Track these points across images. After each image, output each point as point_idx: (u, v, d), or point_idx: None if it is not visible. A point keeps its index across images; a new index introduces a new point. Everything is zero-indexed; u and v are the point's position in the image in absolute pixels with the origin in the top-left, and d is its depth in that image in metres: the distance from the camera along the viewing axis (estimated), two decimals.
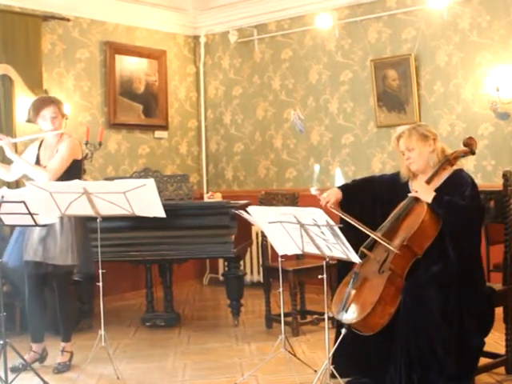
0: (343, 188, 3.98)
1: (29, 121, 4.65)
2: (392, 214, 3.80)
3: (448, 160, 3.78)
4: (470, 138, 3.86)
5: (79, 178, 4.50)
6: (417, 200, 3.74)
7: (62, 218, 4.38)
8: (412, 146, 3.77)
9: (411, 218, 3.71)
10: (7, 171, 4.60)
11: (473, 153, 3.89)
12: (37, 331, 4.60)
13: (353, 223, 3.66)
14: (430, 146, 3.78)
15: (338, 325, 3.83)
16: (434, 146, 3.79)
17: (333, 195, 3.89)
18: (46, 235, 4.38)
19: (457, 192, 3.67)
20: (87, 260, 4.46)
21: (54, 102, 4.54)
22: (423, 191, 3.70)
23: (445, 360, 3.44)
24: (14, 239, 4.53)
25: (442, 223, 3.61)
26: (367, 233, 3.67)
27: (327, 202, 3.85)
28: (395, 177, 4.02)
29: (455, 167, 3.84)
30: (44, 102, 4.53)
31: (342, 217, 3.72)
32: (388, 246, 3.61)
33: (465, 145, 3.86)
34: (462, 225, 3.58)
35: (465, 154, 3.87)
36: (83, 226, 4.52)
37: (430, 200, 3.65)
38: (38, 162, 4.55)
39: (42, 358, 4.62)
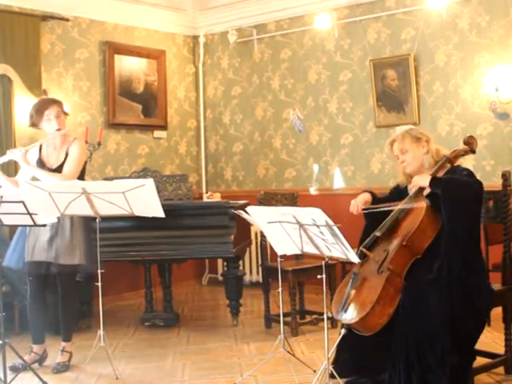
0: (371, 192, 4.01)
1: (32, 125, 4.60)
2: (391, 215, 3.80)
3: (448, 159, 3.79)
4: (471, 137, 3.87)
5: (82, 178, 4.51)
6: (416, 200, 3.74)
7: (71, 218, 4.39)
8: (406, 148, 3.79)
9: (410, 218, 3.71)
10: (15, 185, 4.47)
11: (473, 151, 3.90)
12: (38, 332, 4.60)
13: (382, 208, 3.73)
14: (424, 148, 3.80)
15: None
16: (428, 148, 3.80)
17: (362, 198, 3.92)
18: (55, 235, 4.38)
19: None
20: (92, 260, 4.46)
21: (56, 101, 4.56)
22: (419, 179, 3.71)
23: (444, 360, 3.44)
24: (15, 242, 4.52)
25: (442, 202, 3.57)
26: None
27: (357, 207, 3.87)
28: (396, 188, 4.05)
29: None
30: (46, 102, 4.54)
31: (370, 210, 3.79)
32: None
33: (465, 143, 3.87)
34: (462, 199, 3.55)
35: (465, 153, 3.87)
36: (89, 225, 4.52)
37: (427, 183, 3.64)
38: (42, 165, 4.52)
39: (41, 359, 4.62)
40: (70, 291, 4.57)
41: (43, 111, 4.47)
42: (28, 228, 4.41)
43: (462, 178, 3.66)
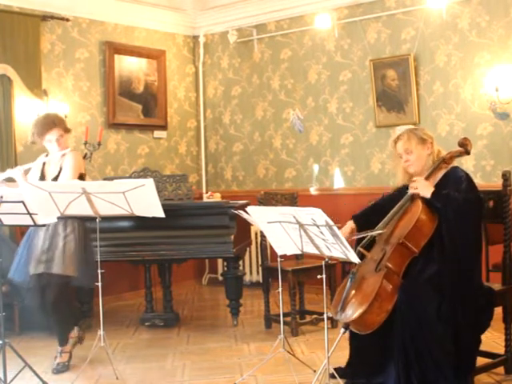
0: (355, 219, 4.01)
1: (33, 142, 4.62)
2: (388, 215, 3.80)
3: (443, 160, 3.82)
4: (465, 139, 3.90)
5: None
6: (412, 199, 3.76)
7: (65, 228, 4.38)
8: (411, 149, 3.79)
9: (407, 217, 3.72)
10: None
11: (468, 153, 3.92)
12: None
13: (362, 235, 3.74)
14: (428, 149, 3.81)
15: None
16: (432, 149, 3.82)
17: (348, 228, 3.94)
18: (49, 246, 4.36)
19: (453, 187, 3.69)
20: (88, 272, 4.42)
21: (56, 124, 4.47)
22: (422, 187, 3.70)
23: (443, 360, 3.44)
24: (19, 254, 4.50)
25: (441, 217, 3.61)
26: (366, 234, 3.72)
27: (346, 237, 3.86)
28: (395, 191, 4.04)
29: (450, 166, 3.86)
30: (46, 126, 4.45)
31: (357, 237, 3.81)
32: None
33: (460, 145, 3.89)
34: (461, 217, 3.57)
35: (460, 154, 3.89)
36: (87, 236, 4.49)
37: (429, 195, 3.66)
38: (43, 179, 4.50)
39: (80, 339, 4.70)
40: (60, 300, 4.46)
41: (44, 134, 4.44)
42: (30, 240, 4.43)
43: (462, 196, 3.61)
